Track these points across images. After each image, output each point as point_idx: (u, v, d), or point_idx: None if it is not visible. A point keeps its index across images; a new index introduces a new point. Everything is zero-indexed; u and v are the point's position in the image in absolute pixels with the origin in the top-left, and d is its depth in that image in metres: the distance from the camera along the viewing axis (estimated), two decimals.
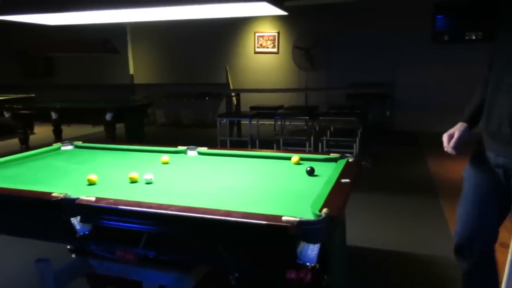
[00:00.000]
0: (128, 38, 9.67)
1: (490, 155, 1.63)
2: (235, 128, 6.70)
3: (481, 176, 1.68)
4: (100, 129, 6.25)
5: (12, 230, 1.99)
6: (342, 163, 2.15)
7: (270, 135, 6.27)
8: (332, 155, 2.32)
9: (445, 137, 1.66)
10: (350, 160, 2.19)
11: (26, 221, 1.90)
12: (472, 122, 1.74)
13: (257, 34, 9.01)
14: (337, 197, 1.60)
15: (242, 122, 6.64)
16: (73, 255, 2.48)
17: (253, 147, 5.44)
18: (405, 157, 5.77)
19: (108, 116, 5.43)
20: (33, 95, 8.11)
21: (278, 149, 5.40)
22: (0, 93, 8.19)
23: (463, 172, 1.78)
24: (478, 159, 1.70)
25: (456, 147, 1.64)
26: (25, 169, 2.28)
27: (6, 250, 2.24)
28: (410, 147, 6.52)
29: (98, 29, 5.70)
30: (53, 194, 1.64)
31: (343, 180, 1.80)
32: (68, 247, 2.59)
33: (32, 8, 2.11)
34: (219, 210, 1.44)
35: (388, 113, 8.05)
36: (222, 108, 8.44)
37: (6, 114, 6.36)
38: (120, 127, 5.72)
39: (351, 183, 1.77)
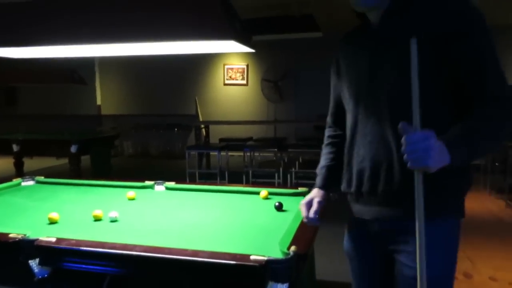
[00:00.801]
0: (96, 68, 9.59)
1: (361, 222, 1.32)
2: (204, 160, 6.67)
3: (360, 250, 1.39)
4: (64, 161, 6.06)
5: None
6: None
7: (239, 167, 6.27)
8: (300, 189, 2.34)
9: (303, 207, 1.37)
10: None
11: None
12: (327, 186, 1.47)
13: (226, 66, 9.14)
14: (305, 233, 1.60)
15: (211, 153, 6.62)
16: None
17: (222, 179, 5.41)
18: None
19: (73, 148, 5.29)
20: None
21: (247, 181, 5.39)
22: None
23: (344, 243, 1.48)
24: (353, 229, 1.43)
25: (316, 218, 1.35)
26: None
27: None
28: None
29: (65, 60, 5.64)
30: (11, 235, 1.56)
31: None
32: None
33: None
34: (186, 250, 1.41)
35: None
36: (191, 140, 8.41)
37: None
38: (85, 159, 5.57)
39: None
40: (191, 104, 9.07)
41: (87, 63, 8.93)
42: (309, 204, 1.38)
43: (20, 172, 6.59)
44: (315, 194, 1.43)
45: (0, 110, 9.99)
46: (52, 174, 2.80)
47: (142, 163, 8.35)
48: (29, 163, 6.76)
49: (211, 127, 7.29)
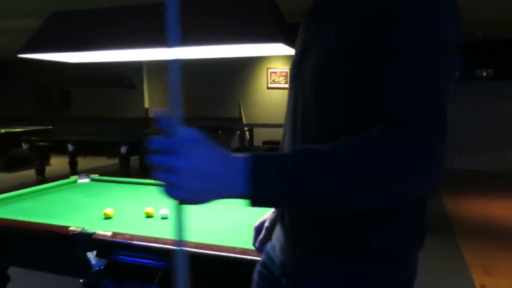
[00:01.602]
0: (144, 72, 9.93)
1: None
2: None
3: None
4: (114, 161, 6.33)
5: (27, 263, 1.99)
6: None
7: None
8: None
9: (254, 231, 1.15)
10: None
11: (42, 254, 1.90)
12: None
13: (269, 70, 9.19)
14: None
15: None
16: None
17: None
18: None
19: (123, 149, 5.51)
20: (50, 127, 8.29)
21: None
22: (18, 125, 8.40)
23: None
24: None
25: (260, 248, 1.11)
26: (41, 202, 2.31)
27: (21, 284, 2.24)
28: None
29: (114, 65, 5.90)
30: (70, 228, 1.66)
31: None
32: (82, 281, 2.58)
33: (53, 48, 2.20)
34: (235, 248, 1.44)
35: None
36: (235, 142, 8.51)
37: (24, 146, 6.49)
38: (134, 159, 5.79)
39: None
40: (235, 107, 9.19)
41: (135, 67, 9.27)
42: (258, 229, 1.13)
43: (74, 170, 6.95)
44: (267, 215, 1.14)
45: (56, 113, 10.58)
46: (104, 172, 2.94)
47: None
48: (83, 162, 7.11)
49: (255, 130, 7.34)
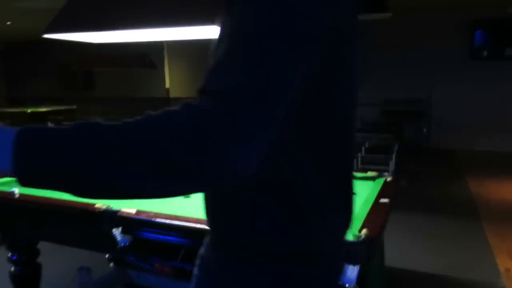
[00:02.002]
0: (165, 52, 9.95)
1: None
2: None
3: None
4: None
5: (56, 238, 2.06)
6: (380, 182, 2.11)
7: None
8: (370, 173, 2.28)
9: None
10: (388, 179, 2.15)
11: (69, 230, 1.97)
12: None
13: None
14: (376, 217, 1.57)
15: None
16: (111, 264, 2.54)
17: None
18: (443, 177, 5.59)
19: None
20: (75, 107, 8.45)
21: None
22: (43, 105, 8.60)
23: None
24: None
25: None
26: None
27: (49, 257, 2.33)
28: (448, 166, 6.32)
29: (136, 44, 5.92)
30: (96, 206, 1.70)
31: (381, 200, 1.77)
32: (107, 255, 2.66)
33: (77, 28, 2.21)
34: None
35: (424, 130, 7.86)
36: None
37: (50, 125, 6.66)
38: None
39: (390, 204, 1.74)
40: None
41: (156, 47, 9.30)
42: None
43: None
44: None
45: (80, 92, 10.76)
46: None
47: None
48: None
49: None
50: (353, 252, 1.31)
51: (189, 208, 1.72)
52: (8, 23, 8.09)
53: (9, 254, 2.16)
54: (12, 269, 2.17)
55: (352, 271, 1.32)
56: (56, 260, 2.67)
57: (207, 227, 0.88)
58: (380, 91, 8.07)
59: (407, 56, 7.77)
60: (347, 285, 1.33)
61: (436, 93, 7.79)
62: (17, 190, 1.91)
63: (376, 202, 1.75)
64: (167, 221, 1.54)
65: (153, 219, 1.57)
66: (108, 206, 1.68)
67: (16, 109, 7.94)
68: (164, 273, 1.61)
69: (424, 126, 7.86)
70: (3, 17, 7.47)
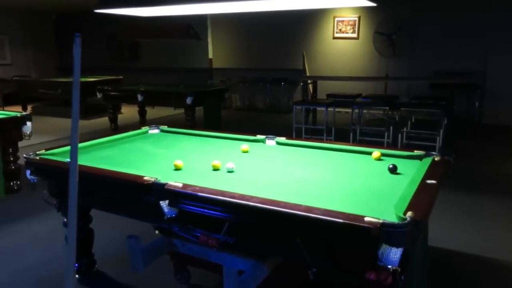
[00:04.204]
0: (208, 23, 9.92)
1: None
2: (310, 116, 6.65)
3: None
4: (180, 111, 6.56)
5: (107, 207, 2.19)
6: (427, 162, 2.05)
7: (346, 124, 6.14)
8: (416, 152, 2.22)
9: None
10: (436, 159, 2.08)
11: (119, 199, 2.07)
12: None
13: (336, 19, 8.77)
14: (422, 199, 1.53)
15: (318, 109, 6.56)
16: (157, 232, 2.66)
17: (328, 136, 5.37)
18: (495, 154, 5.33)
19: (189, 100, 5.67)
20: (121, 77, 8.68)
21: (354, 139, 5.26)
22: (92, 74, 8.90)
23: None
24: None
25: None
26: (118, 151, 2.48)
27: (100, 224, 2.48)
28: (501, 142, 6.00)
29: (181, 16, 5.95)
30: (145, 178, 1.77)
31: (428, 181, 1.72)
32: (153, 225, 2.78)
33: (127, 2, 2.24)
34: (301, 206, 1.46)
35: (477, 104, 7.46)
36: (298, 95, 8.41)
37: (99, 95, 6.90)
38: (199, 109, 5.96)
39: (438, 185, 1.69)
40: (299, 59, 8.98)
41: (200, 18, 9.29)
42: None
43: (143, 119, 7.33)
44: None
45: (125, 63, 11.02)
46: (170, 123, 3.07)
47: (249, 116, 8.64)
48: (151, 112, 7.46)
49: (319, 82, 7.17)
50: (397, 235, 1.29)
51: (233, 184, 1.76)
52: None
53: (65, 219, 2.32)
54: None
55: (395, 253, 1.31)
56: (106, 227, 2.84)
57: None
58: (429, 63, 7.69)
59: (459, 23, 7.30)
60: (389, 267, 1.32)
61: (491, 64, 7.32)
62: None
63: (422, 183, 1.70)
64: (212, 196, 1.58)
65: (198, 193, 1.61)
66: (156, 179, 1.75)
67: (66, 79, 8.27)
68: (208, 245, 1.67)
69: (477, 100, 7.46)
70: None
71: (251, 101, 9.64)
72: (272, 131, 2.71)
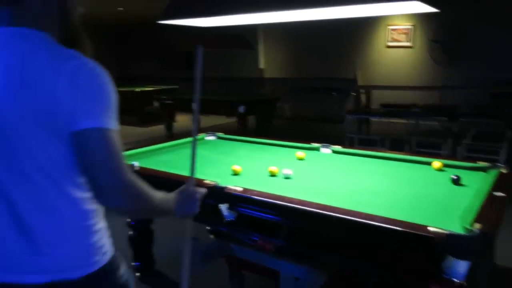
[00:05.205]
0: (260, 33, 10.08)
1: None
2: (364, 126, 6.54)
3: None
4: (232, 120, 6.69)
5: None
6: (493, 174, 1.96)
7: (401, 135, 5.97)
8: (481, 164, 2.13)
9: None
10: (503, 171, 1.98)
11: None
12: None
13: (389, 28, 8.60)
14: (490, 212, 1.47)
15: (371, 119, 6.44)
16: (212, 236, 2.73)
17: (382, 146, 5.25)
18: None
19: (241, 109, 5.78)
20: (176, 86, 9.01)
21: (410, 150, 5.11)
22: (149, 84, 9.30)
23: None
24: None
25: None
26: (177, 155, 2.58)
27: (157, 225, 2.58)
28: None
29: (233, 26, 6.09)
30: (205, 181, 1.83)
31: (497, 194, 1.65)
32: (208, 228, 2.86)
33: (189, 13, 2.34)
34: (361, 213, 1.45)
35: None
36: (350, 104, 8.29)
37: (155, 103, 7.21)
38: (250, 118, 6.05)
39: (507, 198, 1.61)
40: (350, 68, 8.89)
41: (250, 28, 9.47)
42: None
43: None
44: None
45: (181, 72, 11.42)
46: (222, 130, 3.14)
47: (300, 125, 8.63)
48: (203, 120, 7.67)
49: (372, 91, 7.04)
50: (463, 247, 1.25)
51: (291, 190, 1.78)
52: (120, 8, 8.82)
53: (128, 220, 2.44)
54: (131, 233, 2.45)
55: (461, 267, 1.27)
56: (165, 227, 2.94)
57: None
58: (488, 71, 7.32)
59: None
60: (455, 280, 1.28)
61: None
62: (137, 163, 2.13)
63: (489, 195, 1.63)
64: (271, 200, 1.61)
65: (257, 197, 1.65)
66: (216, 182, 1.81)
67: (126, 88, 8.70)
68: (266, 250, 1.69)
69: None
70: (116, 3, 8.16)
71: (301, 111, 9.64)
72: (323, 140, 2.70)
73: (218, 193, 1.76)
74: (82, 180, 0.97)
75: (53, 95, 0.87)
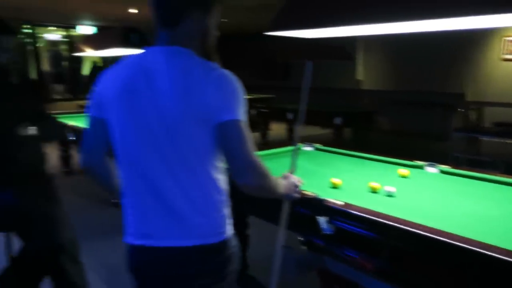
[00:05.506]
0: (359, 44, 9.84)
1: None
2: (473, 145, 6.00)
3: None
4: (327, 131, 6.61)
5: (264, 215, 2.30)
6: None
7: None
8: None
9: None
10: None
11: (274, 209, 2.16)
12: None
13: (505, 39, 7.80)
14: None
15: (482, 139, 5.88)
16: (304, 247, 2.71)
17: (495, 169, 4.76)
18: None
19: (337, 121, 5.69)
20: (273, 96, 9.18)
21: None
22: (249, 92, 9.62)
23: None
24: None
25: None
26: (277, 164, 2.61)
27: (254, 230, 2.63)
28: None
29: (333, 37, 6.02)
30: (305, 192, 1.83)
31: None
32: (300, 238, 2.84)
33: (297, 25, 2.36)
34: (475, 241, 1.32)
35: None
36: (454, 121, 7.68)
37: (252, 111, 7.43)
38: (347, 131, 5.92)
39: None
40: (457, 82, 8.24)
41: (348, 39, 9.28)
42: None
43: (291, 137, 7.60)
44: None
45: (278, 82, 11.64)
46: (317, 142, 3.11)
47: (398, 140, 8.22)
48: (298, 130, 7.68)
49: (484, 108, 6.44)
50: None
51: (394, 208, 1.69)
52: (224, 20, 9.28)
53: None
54: None
55: None
56: (260, 233, 3.00)
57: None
58: None
59: None
60: None
61: None
62: None
63: None
64: (374, 218, 1.55)
65: (359, 213, 1.60)
66: (316, 194, 1.79)
67: None
68: (365, 268, 1.63)
69: None
70: (223, 16, 8.59)
71: (400, 125, 9.18)
72: (425, 157, 2.53)
73: (317, 205, 1.75)
74: (219, 164, 1.25)
75: (204, 97, 1.16)
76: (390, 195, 1.92)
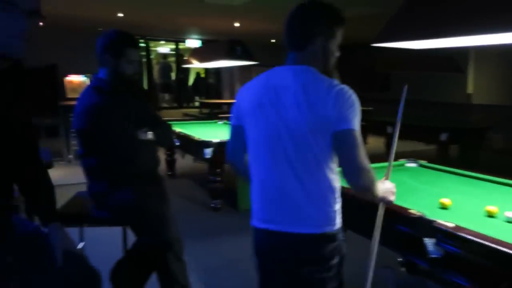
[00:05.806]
0: (471, 55, 9.09)
1: None
2: None
3: None
4: (430, 147, 6.18)
5: (361, 230, 2.22)
6: None
7: None
8: None
9: None
10: None
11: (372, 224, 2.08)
12: None
13: None
14: None
15: None
16: (403, 269, 2.56)
17: None
18: None
19: (443, 137, 5.30)
20: (371, 108, 8.88)
21: None
22: None
23: None
24: None
25: None
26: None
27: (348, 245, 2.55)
28: None
29: (442, 48, 5.65)
30: (411, 211, 1.73)
31: None
32: (399, 259, 2.69)
33: (407, 36, 2.26)
34: None
35: None
36: None
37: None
38: (453, 148, 5.48)
39: None
40: None
41: (459, 49, 8.61)
42: None
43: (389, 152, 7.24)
44: None
45: (377, 95, 11.24)
46: (419, 158, 2.92)
47: None
48: (400, 145, 7.28)
49: None
50: None
51: (509, 236, 1.52)
52: None
53: None
54: None
55: None
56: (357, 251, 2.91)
57: None
58: None
59: None
60: None
61: None
62: None
63: None
64: (491, 245, 1.41)
65: (474, 238, 1.46)
66: (422, 214, 1.69)
67: None
68: None
69: None
70: None
71: None
72: None
73: (424, 226, 1.64)
74: (332, 166, 1.43)
75: (326, 110, 1.34)
76: (510, 221, 1.73)
